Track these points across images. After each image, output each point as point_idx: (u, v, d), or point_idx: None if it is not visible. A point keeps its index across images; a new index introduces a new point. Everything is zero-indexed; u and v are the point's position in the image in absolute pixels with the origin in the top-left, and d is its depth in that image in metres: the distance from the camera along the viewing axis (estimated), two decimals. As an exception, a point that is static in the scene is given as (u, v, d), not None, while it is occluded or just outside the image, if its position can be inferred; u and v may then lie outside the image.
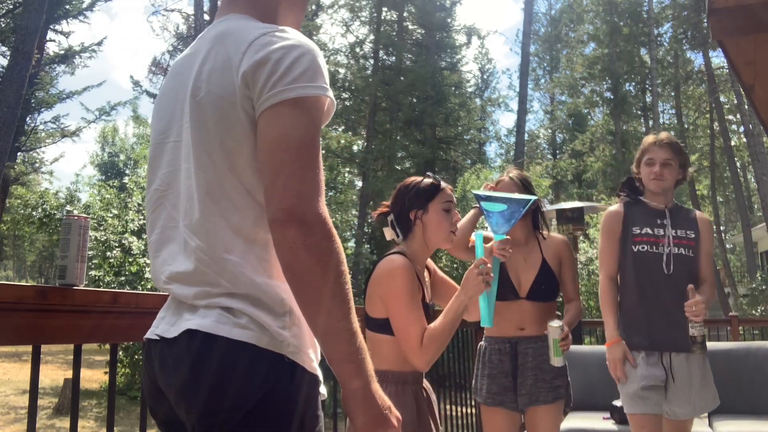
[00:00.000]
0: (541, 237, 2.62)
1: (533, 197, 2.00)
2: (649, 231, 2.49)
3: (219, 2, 1.24)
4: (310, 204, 0.93)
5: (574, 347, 4.12)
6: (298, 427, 0.97)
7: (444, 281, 2.02)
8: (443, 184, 1.88)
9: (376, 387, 0.99)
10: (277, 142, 0.95)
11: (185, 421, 1.01)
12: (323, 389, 1.07)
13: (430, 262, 2.00)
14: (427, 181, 1.88)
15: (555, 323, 2.31)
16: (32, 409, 1.32)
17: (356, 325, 0.96)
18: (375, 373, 1.02)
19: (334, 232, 0.95)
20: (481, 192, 2.24)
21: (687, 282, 2.36)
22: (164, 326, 1.06)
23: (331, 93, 1.02)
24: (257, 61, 0.98)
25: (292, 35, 1.02)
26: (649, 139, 2.59)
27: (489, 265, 1.76)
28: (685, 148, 2.57)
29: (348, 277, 0.96)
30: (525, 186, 2.56)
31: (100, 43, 19.79)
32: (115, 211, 14.16)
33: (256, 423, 0.95)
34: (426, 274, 1.95)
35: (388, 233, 1.92)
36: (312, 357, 1.04)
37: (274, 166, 0.95)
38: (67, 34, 19.21)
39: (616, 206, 2.62)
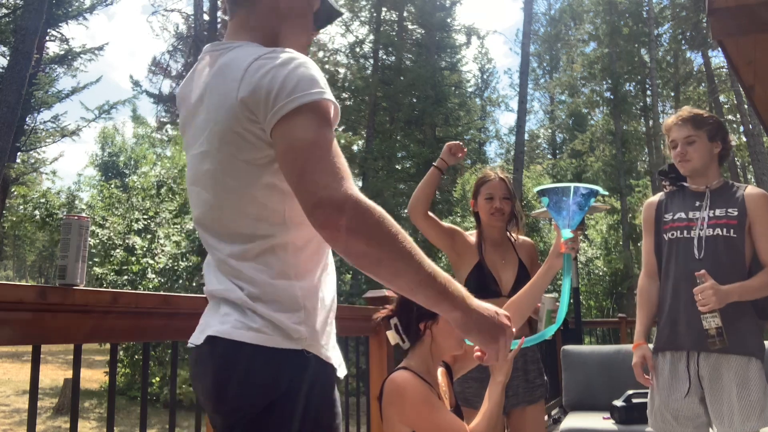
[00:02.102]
0: (512, 238, 2.63)
1: (573, 185, 1.84)
2: (683, 215, 2.22)
3: (225, 26, 1.28)
4: (335, 189, 0.95)
5: (573, 347, 4.13)
6: (316, 413, 1.05)
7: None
8: None
9: (475, 304, 1.06)
10: (291, 150, 1.00)
11: (212, 421, 1.12)
12: (342, 372, 1.17)
13: (446, 379, 1.88)
14: None
15: (549, 294, 2.27)
16: (32, 409, 1.33)
17: (429, 268, 0.99)
18: None
19: (369, 203, 0.96)
20: (538, 188, 1.99)
21: (725, 267, 2.07)
22: (196, 334, 1.15)
23: (329, 95, 1.04)
24: (254, 85, 1.03)
25: (282, 54, 1.06)
26: (669, 120, 2.30)
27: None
28: (711, 116, 2.27)
29: (400, 232, 0.98)
30: (509, 187, 2.58)
31: (101, 48, 19.78)
32: (120, 210, 14.16)
33: (278, 415, 1.03)
34: (443, 381, 1.84)
35: (393, 337, 1.81)
36: (325, 346, 1.12)
37: (296, 172, 0.99)
38: (67, 40, 19.20)
39: (654, 197, 2.42)
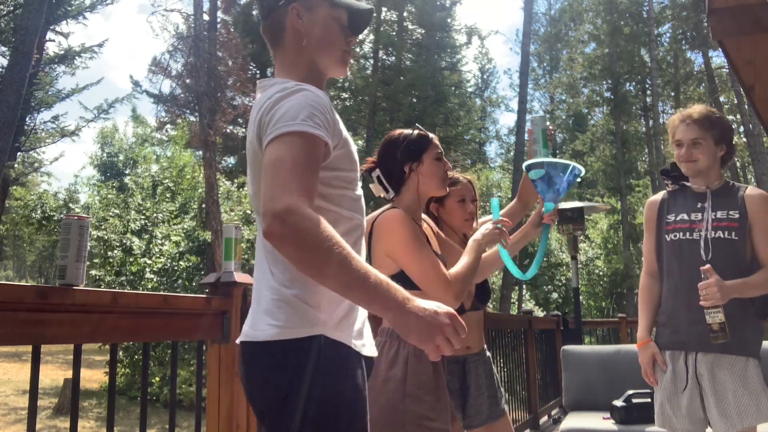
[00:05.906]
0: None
1: (573, 164, 1.86)
2: (685, 217, 2.23)
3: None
4: (278, 201, 1.06)
5: (573, 347, 4.12)
6: (326, 394, 1.15)
7: (446, 241, 1.97)
8: (431, 134, 1.87)
9: (412, 305, 1.10)
10: (264, 168, 1.14)
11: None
12: (368, 352, 1.29)
13: (432, 224, 1.96)
14: (416, 132, 1.85)
15: (537, 115, 2.19)
16: (32, 409, 1.33)
17: (362, 270, 1.07)
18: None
19: (306, 214, 1.06)
20: (527, 162, 2.01)
21: (729, 269, 2.08)
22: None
23: (307, 126, 1.14)
24: (259, 122, 1.21)
25: (281, 93, 1.20)
26: (676, 118, 2.27)
27: (506, 226, 1.79)
28: (721, 118, 2.25)
29: (332, 239, 1.06)
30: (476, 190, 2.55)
31: (101, 45, 19.77)
32: (117, 211, 14.12)
33: (292, 398, 1.15)
34: (428, 228, 1.90)
35: (376, 189, 1.88)
36: (339, 327, 1.22)
37: (262, 185, 1.12)
38: (66, 35, 19.21)
39: (656, 195, 2.42)
